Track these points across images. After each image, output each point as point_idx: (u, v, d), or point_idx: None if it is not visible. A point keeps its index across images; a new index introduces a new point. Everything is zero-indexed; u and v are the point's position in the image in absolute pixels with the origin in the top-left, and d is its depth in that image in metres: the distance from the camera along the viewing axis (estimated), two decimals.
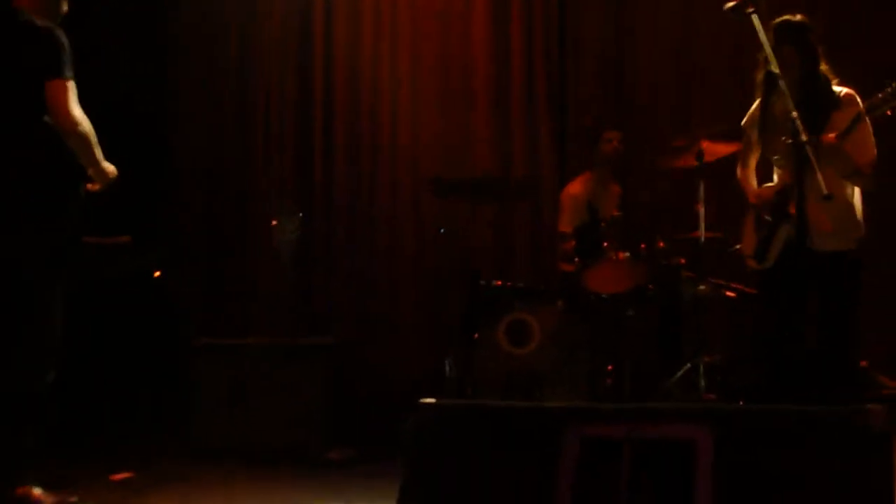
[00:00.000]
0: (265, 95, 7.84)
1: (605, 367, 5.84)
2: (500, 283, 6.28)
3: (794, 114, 4.03)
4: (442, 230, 6.74)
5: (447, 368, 5.94)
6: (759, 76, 4.95)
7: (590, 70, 7.40)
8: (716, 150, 5.92)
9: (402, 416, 3.66)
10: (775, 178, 5.07)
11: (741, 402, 5.39)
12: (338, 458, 6.21)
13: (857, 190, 4.87)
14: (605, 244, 5.94)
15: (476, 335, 5.90)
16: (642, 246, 5.97)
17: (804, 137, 4.05)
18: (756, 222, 5.07)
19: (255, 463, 6.05)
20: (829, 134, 4.62)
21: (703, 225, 5.85)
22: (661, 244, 6.01)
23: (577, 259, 6.05)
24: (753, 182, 5.15)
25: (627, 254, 5.95)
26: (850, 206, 4.81)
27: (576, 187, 6.76)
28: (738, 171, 5.23)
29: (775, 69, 4.29)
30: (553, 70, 7.48)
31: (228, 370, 6.40)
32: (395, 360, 7.33)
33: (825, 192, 3.87)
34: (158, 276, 6.92)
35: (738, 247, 5.27)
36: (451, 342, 6.15)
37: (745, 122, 5.16)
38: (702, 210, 5.84)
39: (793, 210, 4.35)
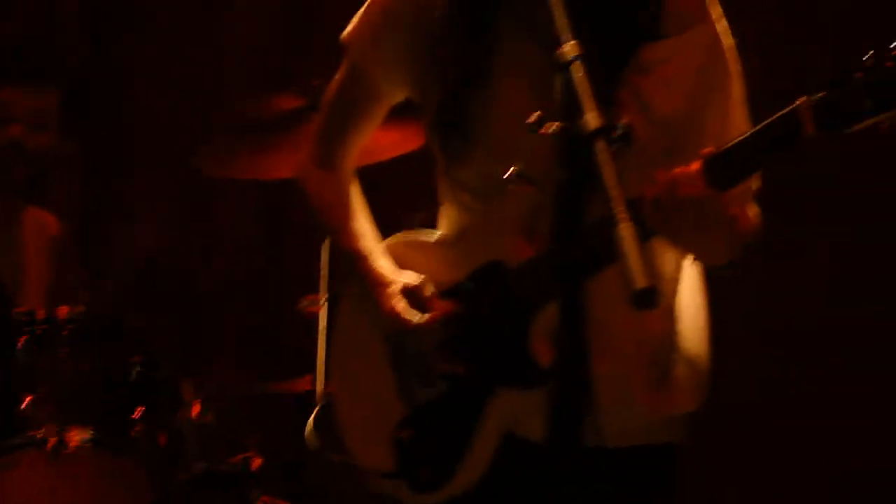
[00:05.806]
0: None
1: None
2: None
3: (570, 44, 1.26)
4: None
5: None
6: None
7: None
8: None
9: None
10: (447, 221, 1.87)
11: None
12: None
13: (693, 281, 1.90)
14: (29, 412, 2.42)
15: None
16: (136, 412, 2.44)
17: (593, 122, 1.23)
18: (398, 368, 1.83)
19: None
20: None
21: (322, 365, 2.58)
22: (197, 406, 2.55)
23: None
24: (371, 239, 1.86)
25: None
26: (699, 325, 1.88)
27: None
28: (307, 172, 1.92)
29: None
30: None
31: None
32: None
33: (639, 283, 1.16)
34: None
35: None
36: None
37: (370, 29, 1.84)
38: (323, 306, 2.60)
39: (543, 358, 1.63)
